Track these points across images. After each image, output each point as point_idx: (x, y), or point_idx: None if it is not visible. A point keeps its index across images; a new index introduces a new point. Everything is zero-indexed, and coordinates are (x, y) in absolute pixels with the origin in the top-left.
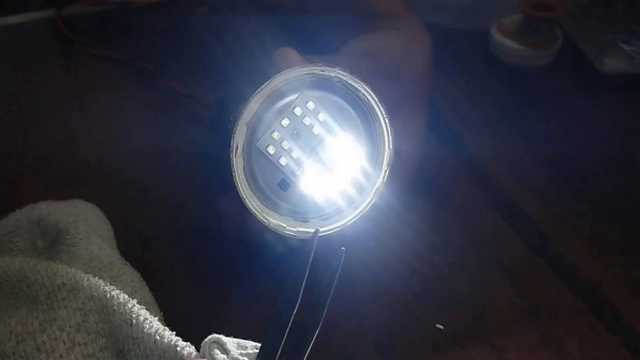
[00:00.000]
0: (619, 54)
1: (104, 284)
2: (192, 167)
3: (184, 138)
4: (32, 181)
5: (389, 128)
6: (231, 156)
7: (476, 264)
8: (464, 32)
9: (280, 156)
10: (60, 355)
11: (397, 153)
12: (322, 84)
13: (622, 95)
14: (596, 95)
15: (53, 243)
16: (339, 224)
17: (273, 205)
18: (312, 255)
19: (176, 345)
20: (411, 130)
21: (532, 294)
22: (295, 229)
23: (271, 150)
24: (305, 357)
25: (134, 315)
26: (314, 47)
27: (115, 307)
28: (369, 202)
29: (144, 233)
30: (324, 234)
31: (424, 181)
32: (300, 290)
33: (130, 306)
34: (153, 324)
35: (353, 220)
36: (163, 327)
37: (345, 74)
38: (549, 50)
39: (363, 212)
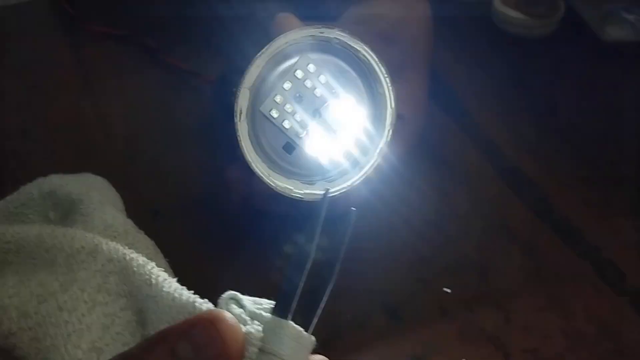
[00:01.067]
0: (620, 23)
1: (122, 248)
2: (198, 140)
3: (189, 113)
4: (43, 157)
5: (390, 88)
6: (235, 121)
7: (482, 229)
8: (466, 3)
9: (284, 119)
10: (82, 314)
11: (399, 117)
12: (322, 46)
13: (625, 63)
14: (599, 64)
15: (66, 214)
16: (344, 185)
17: (279, 169)
18: (323, 215)
19: (194, 302)
20: (412, 93)
21: (537, 257)
22: (302, 192)
23: (275, 113)
24: (318, 314)
25: (153, 276)
26: (315, 16)
27: (135, 269)
28: (373, 163)
29: (153, 205)
30: (330, 195)
31: (429, 149)
32: (312, 249)
33: (149, 267)
34: (172, 284)
35: (358, 182)
36: (181, 287)
37: (345, 35)
38: (551, 20)
39: (367, 173)
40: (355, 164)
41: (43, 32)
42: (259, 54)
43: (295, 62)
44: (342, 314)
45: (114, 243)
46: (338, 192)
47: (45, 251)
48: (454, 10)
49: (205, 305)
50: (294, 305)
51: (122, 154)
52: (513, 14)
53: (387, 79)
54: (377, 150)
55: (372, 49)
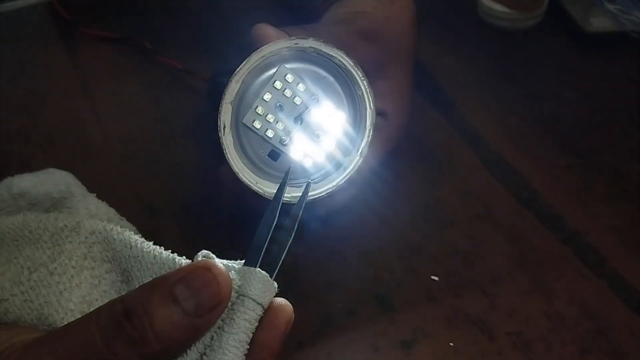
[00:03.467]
0: (603, 14)
1: (101, 222)
2: (194, 140)
3: (185, 112)
4: (42, 160)
5: (368, 90)
6: (220, 135)
7: (468, 218)
8: None
9: (267, 129)
10: (72, 276)
11: (383, 113)
12: (298, 56)
13: (607, 52)
14: (582, 54)
15: (48, 211)
16: (329, 186)
17: (266, 175)
18: (284, 189)
19: (174, 258)
20: (395, 89)
21: (521, 244)
22: (290, 195)
23: (257, 124)
24: (279, 264)
25: (132, 240)
26: (300, 14)
27: (115, 236)
28: (356, 164)
29: (151, 203)
30: (315, 196)
31: (416, 141)
32: (276, 215)
33: (128, 234)
34: (150, 245)
35: (342, 182)
36: (159, 248)
37: (319, 43)
38: (536, 12)
39: (351, 174)
40: (339, 165)
41: (39, 36)
42: (237, 70)
43: (274, 73)
44: (335, 303)
45: (95, 220)
46: (324, 193)
47: (30, 232)
48: (440, 4)
49: (184, 260)
50: (261, 256)
51: (120, 154)
52: (498, 7)
53: (365, 81)
54: (359, 151)
55: (347, 54)
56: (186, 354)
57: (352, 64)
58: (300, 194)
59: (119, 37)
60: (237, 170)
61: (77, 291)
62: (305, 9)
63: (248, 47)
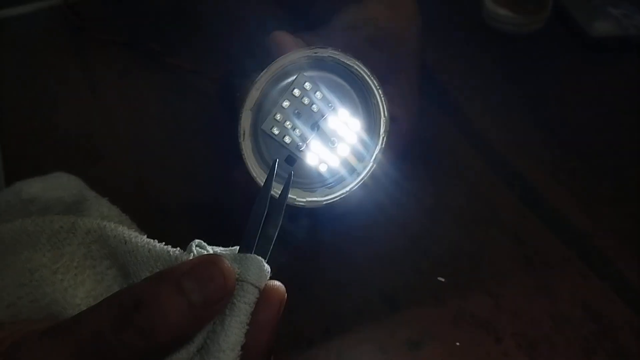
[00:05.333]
0: (607, 18)
1: (96, 220)
2: (204, 141)
3: (194, 114)
4: (54, 162)
5: (382, 98)
6: (239, 140)
7: (474, 221)
8: (458, 1)
9: (285, 135)
10: (75, 274)
11: (393, 118)
12: (316, 64)
13: (611, 57)
14: (586, 58)
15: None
16: (343, 191)
17: (282, 180)
18: (272, 178)
19: (168, 250)
20: (403, 94)
21: (526, 246)
22: (304, 199)
23: (275, 130)
24: (271, 249)
25: (126, 235)
26: (308, 19)
27: (109, 233)
28: (369, 170)
29: (161, 205)
30: (330, 200)
31: (425, 146)
32: (266, 204)
33: (121, 229)
34: (143, 239)
35: (355, 187)
36: (154, 241)
37: (337, 52)
38: (540, 17)
39: (364, 179)
40: (352, 170)
41: (51, 41)
42: (258, 78)
43: (293, 81)
44: (344, 303)
45: (89, 218)
46: (338, 198)
47: (27, 236)
48: (446, 9)
49: (177, 251)
50: (255, 243)
51: (131, 156)
52: (503, 12)
53: (380, 90)
54: (373, 157)
55: (364, 63)
56: (192, 341)
57: (368, 73)
58: (314, 199)
59: (128, 41)
60: (255, 175)
61: (81, 287)
62: (312, 14)
63: (263, 53)
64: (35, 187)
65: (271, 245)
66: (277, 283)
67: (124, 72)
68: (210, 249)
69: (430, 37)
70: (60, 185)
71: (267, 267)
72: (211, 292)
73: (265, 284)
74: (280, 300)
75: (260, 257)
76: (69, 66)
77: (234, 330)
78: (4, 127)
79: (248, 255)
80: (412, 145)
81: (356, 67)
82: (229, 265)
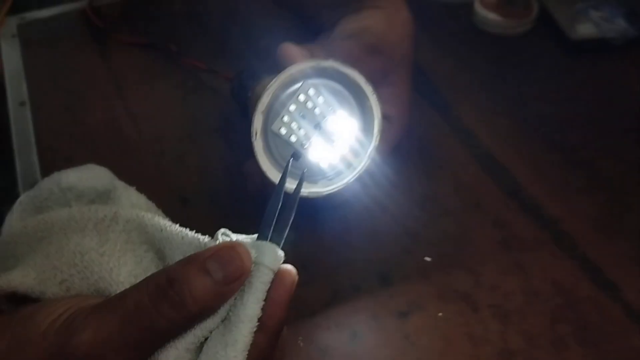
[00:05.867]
0: (589, 21)
1: (134, 211)
2: (219, 136)
3: (210, 111)
4: (85, 155)
5: (376, 102)
6: (252, 140)
7: (460, 207)
8: (451, 6)
9: (291, 134)
10: (118, 257)
11: (387, 116)
12: (319, 73)
13: (591, 58)
14: (568, 59)
15: (91, 202)
16: (340, 183)
17: (289, 173)
18: (287, 173)
19: (198, 237)
20: (397, 95)
21: (505, 230)
22: (307, 190)
23: (283, 130)
24: (284, 237)
25: (162, 224)
26: (311, 27)
27: (147, 222)
28: (364, 164)
29: (182, 194)
30: (330, 191)
31: (416, 139)
32: (281, 198)
33: (157, 219)
34: (177, 227)
35: (352, 180)
36: (185, 229)
37: (337, 63)
38: (526, 21)
39: (359, 173)
40: (349, 165)
41: (75, 42)
42: (269, 85)
43: (299, 88)
44: (342, 279)
45: (128, 209)
46: (336, 189)
47: (75, 222)
48: (439, 12)
49: (207, 238)
50: (271, 231)
51: (153, 150)
52: (491, 15)
53: (374, 95)
54: (367, 154)
55: (360, 72)
56: (216, 312)
57: (364, 80)
58: (316, 190)
59: (147, 42)
60: (265, 170)
61: (124, 268)
62: (317, 21)
63: (272, 58)
64: (72, 177)
65: (285, 234)
66: (289, 266)
67: (145, 72)
68: (234, 237)
69: (424, 39)
70: (93, 175)
71: (281, 253)
72: (231, 271)
73: (280, 267)
74: (292, 281)
75: (274, 244)
76: (94, 65)
77: (251, 305)
78: (38, 123)
79: (264, 242)
80: (404, 140)
81: (354, 75)
82: (247, 250)
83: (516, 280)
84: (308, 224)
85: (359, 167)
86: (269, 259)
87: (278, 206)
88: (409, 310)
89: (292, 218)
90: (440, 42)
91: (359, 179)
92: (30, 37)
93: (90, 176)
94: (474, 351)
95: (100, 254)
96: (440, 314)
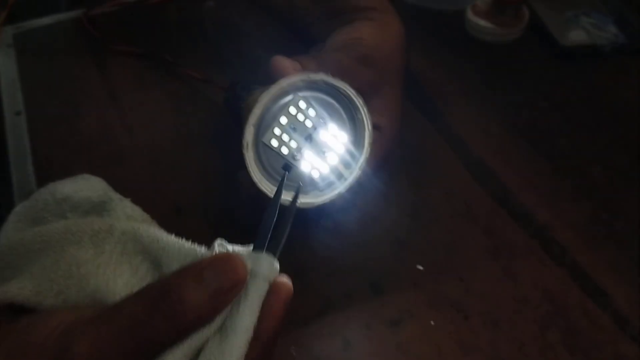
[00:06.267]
0: (578, 28)
1: (130, 223)
2: (213, 145)
3: (204, 120)
4: (80, 164)
5: (366, 115)
6: (243, 152)
7: (450, 215)
8: (443, 14)
9: (282, 146)
10: (114, 269)
11: (378, 127)
12: (310, 85)
13: (582, 65)
14: (559, 66)
15: (86, 213)
16: (332, 194)
17: (276, 183)
18: (283, 186)
19: (195, 248)
20: (388, 105)
21: (494, 237)
22: (299, 201)
23: (274, 143)
24: (281, 248)
25: (158, 235)
26: (304, 38)
27: (143, 233)
28: (355, 175)
29: (176, 203)
30: (321, 203)
31: (407, 147)
32: (276, 210)
33: (152, 230)
34: (173, 238)
35: (343, 191)
36: (181, 239)
37: (327, 77)
38: (517, 28)
39: (350, 184)
40: (340, 176)
41: (71, 51)
42: (260, 98)
43: (289, 101)
44: (334, 288)
45: (123, 221)
46: (328, 200)
47: (72, 235)
48: (431, 20)
49: (204, 249)
50: (267, 242)
51: (148, 159)
52: (483, 23)
53: (364, 108)
54: (358, 165)
55: (351, 85)
56: (212, 322)
57: (354, 93)
58: (308, 201)
59: (143, 52)
60: (256, 181)
61: (120, 279)
62: (310, 33)
63: (264, 70)
64: (67, 188)
65: (281, 245)
66: (284, 278)
67: (140, 81)
68: (230, 247)
69: (416, 46)
70: (88, 186)
71: (277, 265)
72: (226, 282)
73: (275, 279)
74: (287, 292)
75: (270, 255)
76: (89, 75)
77: (246, 316)
78: (33, 133)
79: (260, 253)
80: (395, 149)
81: (344, 88)
82: (242, 260)
83: (506, 287)
84: (299, 234)
85: (350, 178)
86: (265, 270)
87: (274, 219)
88: (400, 319)
89: (287, 231)
90: (433, 50)
91: (350, 189)
92: (26, 46)
93: (85, 187)
94: (465, 359)
95: (96, 266)
96: (431, 322)
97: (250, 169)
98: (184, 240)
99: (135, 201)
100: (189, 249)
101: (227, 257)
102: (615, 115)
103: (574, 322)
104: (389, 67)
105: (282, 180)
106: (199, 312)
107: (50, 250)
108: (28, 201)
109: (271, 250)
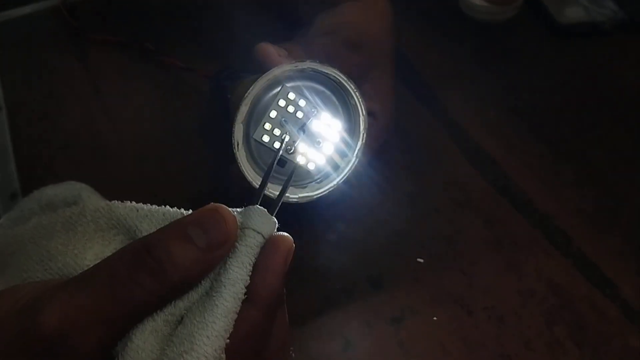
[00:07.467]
0: (577, 5)
1: (104, 201)
2: (200, 137)
3: (191, 111)
4: (63, 162)
5: (360, 99)
6: (234, 151)
7: (450, 205)
8: None
9: (274, 141)
10: (84, 243)
11: (371, 113)
12: (298, 75)
13: (580, 43)
14: (556, 45)
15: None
16: (329, 185)
17: (275, 180)
18: (276, 161)
19: (182, 211)
20: (380, 90)
21: (496, 228)
22: (297, 196)
23: (266, 138)
24: (279, 204)
25: (135, 206)
26: (290, 21)
27: (119, 205)
28: (352, 165)
29: (165, 199)
30: (318, 194)
31: (403, 135)
32: (274, 164)
33: (128, 204)
34: (156, 207)
35: (340, 181)
36: (166, 207)
37: (315, 63)
38: (513, 5)
39: (348, 174)
40: (337, 167)
41: (50, 42)
42: (246, 94)
43: (278, 92)
44: (332, 284)
45: (94, 201)
46: (326, 192)
47: (43, 228)
48: (425, 1)
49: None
50: (261, 196)
51: (134, 154)
52: (478, 1)
53: (357, 92)
54: (355, 153)
55: (340, 70)
56: (200, 283)
57: (345, 78)
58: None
59: (124, 41)
60: (250, 179)
61: (89, 251)
62: (295, 15)
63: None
64: (50, 193)
65: (279, 203)
66: (283, 233)
67: (123, 72)
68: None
69: (410, 27)
70: (69, 189)
71: (272, 218)
72: (215, 237)
73: (274, 234)
74: (287, 247)
75: (262, 207)
76: (71, 66)
77: (234, 269)
78: (15, 131)
79: (250, 206)
80: (390, 137)
81: (334, 74)
82: (230, 212)
83: (510, 280)
84: (295, 228)
85: (348, 168)
86: (255, 220)
87: (271, 170)
88: (402, 316)
89: (288, 187)
90: (426, 31)
91: (347, 179)
92: (4, 38)
93: (65, 190)
94: (470, 357)
95: (65, 245)
96: (434, 318)
97: (243, 168)
98: (168, 207)
99: (122, 197)
100: (174, 213)
101: (214, 209)
102: (617, 96)
103: (581, 314)
104: (378, 49)
105: (268, 172)
106: (185, 271)
107: (23, 249)
108: (13, 212)
109: (268, 209)
